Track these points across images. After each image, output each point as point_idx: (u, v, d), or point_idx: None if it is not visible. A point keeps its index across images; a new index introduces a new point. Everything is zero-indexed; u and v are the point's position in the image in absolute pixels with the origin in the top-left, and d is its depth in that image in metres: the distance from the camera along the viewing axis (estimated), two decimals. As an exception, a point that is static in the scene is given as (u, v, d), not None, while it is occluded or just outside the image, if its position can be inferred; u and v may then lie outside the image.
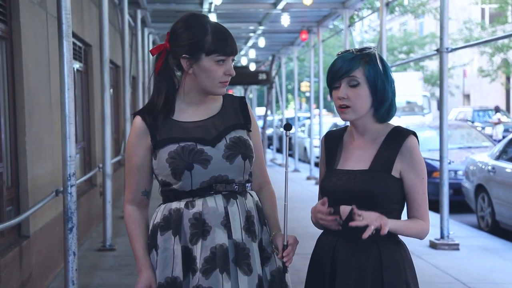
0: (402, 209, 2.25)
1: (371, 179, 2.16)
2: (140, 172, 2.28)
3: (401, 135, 2.21)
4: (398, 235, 2.22)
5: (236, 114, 2.31)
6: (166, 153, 2.20)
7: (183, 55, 2.20)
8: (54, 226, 5.40)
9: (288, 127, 2.24)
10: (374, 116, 2.22)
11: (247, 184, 2.28)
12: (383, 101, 2.19)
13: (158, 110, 2.24)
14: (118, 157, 8.97)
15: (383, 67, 2.20)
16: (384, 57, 2.29)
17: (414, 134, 2.22)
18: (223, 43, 2.20)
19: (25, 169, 4.79)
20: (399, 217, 2.22)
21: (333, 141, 2.33)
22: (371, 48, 2.24)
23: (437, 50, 6.88)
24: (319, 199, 2.37)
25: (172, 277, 2.18)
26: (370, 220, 2.04)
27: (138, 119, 2.26)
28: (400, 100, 20.19)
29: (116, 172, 9.00)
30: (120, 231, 7.13)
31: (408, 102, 23.50)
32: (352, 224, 2.05)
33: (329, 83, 2.25)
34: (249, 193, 2.29)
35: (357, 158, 2.24)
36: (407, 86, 22.59)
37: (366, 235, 2.03)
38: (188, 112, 2.27)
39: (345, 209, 2.18)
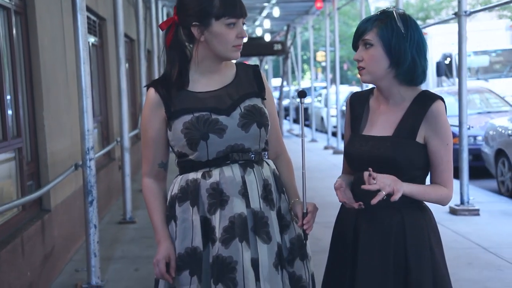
0: (426, 175, 2.22)
1: (395, 146, 2.14)
2: (156, 144, 2.28)
3: (428, 100, 2.16)
4: (422, 201, 2.21)
5: (250, 82, 2.29)
6: (181, 123, 2.19)
7: (193, 23, 2.19)
8: (75, 199, 5.46)
9: (302, 94, 2.23)
10: (396, 78, 2.17)
11: (263, 153, 2.27)
12: (400, 61, 2.14)
13: (172, 82, 2.23)
14: (136, 130, 9.01)
15: (406, 26, 2.14)
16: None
17: (442, 99, 2.18)
18: (232, 5, 2.18)
19: (44, 144, 4.83)
20: (422, 183, 2.20)
21: (359, 104, 2.30)
22: (390, 9, 2.20)
23: (455, 13, 6.76)
24: (344, 164, 2.36)
25: (192, 247, 2.19)
26: (383, 184, 2.03)
27: (152, 91, 2.25)
28: (480, 58, 14.76)
29: (134, 146, 9.05)
30: (139, 204, 7.20)
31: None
32: (365, 187, 2.04)
33: (352, 47, 2.24)
34: (266, 161, 2.29)
35: (382, 123, 2.21)
36: (489, 39, 16.01)
37: (375, 200, 2.03)
38: (202, 82, 2.25)
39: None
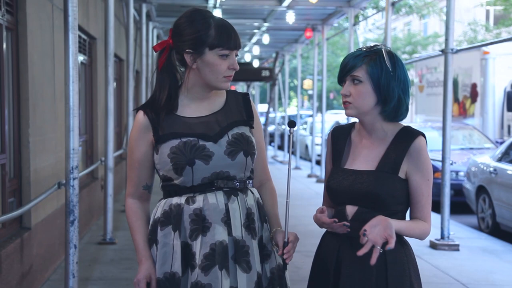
0: (407, 209, 2.24)
1: (378, 180, 2.15)
2: (142, 166, 2.28)
3: (410, 135, 2.19)
4: (403, 236, 2.22)
5: (239, 110, 2.31)
6: (168, 148, 2.20)
7: (187, 50, 2.21)
8: (56, 218, 5.41)
9: (292, 124, 2.25)
10: (381, 114, 2.20)
11: (248, 181, 2.28)
12: (388, 99, 2.17)
13: (161, 105, 2.24)
14: (120, 150, 8.98)
15: (393, 64, 2.17)
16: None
17: (423, 135, 2.21)
18: (227, 37, 2.20)
19: (28, 161, 4.80)
20: (403, 218, 2.22)
21: (341, 138, 2.31)
22: (379, 46, 2.23)
23: (442, 50, 6.87)
24: (324, 197, 2.37)
25: (171, 272, 2.18)
26: (375, 238, 2.01)
27: (141, 114, 2.26)
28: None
29: (117, 166, 9.01)
30: (120, 224, 7.15)
31: None
32: (360, 253, 2.02)
33: (338, 79, 2.25)
34: (250, 190, 2.29)
35: (365, 158, 2.22)
36: None
37: (373, 260, 2.01)
38: (191, 107, 2.27)
39: (351, 209, 2.18)
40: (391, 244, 2.02)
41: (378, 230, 2.03)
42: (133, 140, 2.28)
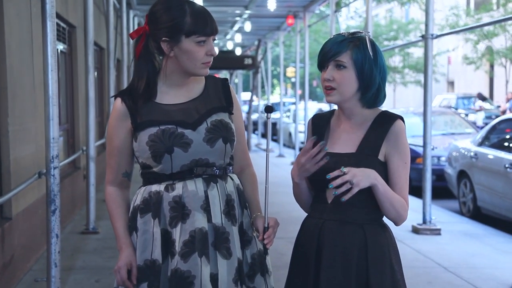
0: None
1: (359, 162, 2.16)
2: (121, 154, 2.27)
3: (389, 119, 2.21)
4: (383, 219, 2.24)
5: (218, 96, 2.30)
6: (147, 136, 2.19)
7: (163, 38, 2.19)
8: (37, 208, 5.38)
9: (269, 109, 2.24)
10: (361, 100, 2.22)
11: (228, 168, 2.28)
12: (369, 85, 2.19)
13: (139, 93, 2.23)
14: (102, 140, 8.93)
15: (374, 52, 2.19)
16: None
17: (401, 118, 2.23)
18: (203, 23, 2.18)
19: (8, 150, 4.75)
20: None
21: (320, 124, 2.33)
22: (362, 32, 2.23)
23: (422, 36, 6.89)
24: (305, 180, 2.37)
25: (151, 259, 2.18)
26: (353, 175, 2.04)
27: (118, 101, 2.25)
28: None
29: (99, 155, 8.96)
30: (103, 214, 7.12)
31: None
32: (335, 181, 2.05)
33: (319, 65, 2.25)
34: (230, 176, 2.29)
35: (344, 141, 2.24)
36: None
37: (346, 196, 2.05)
38: (170, 94, 2.26)
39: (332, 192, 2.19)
40: (352, 190, 2.04)
41: (360, 172, 2.06)
42: (111, 127, 2.27)
